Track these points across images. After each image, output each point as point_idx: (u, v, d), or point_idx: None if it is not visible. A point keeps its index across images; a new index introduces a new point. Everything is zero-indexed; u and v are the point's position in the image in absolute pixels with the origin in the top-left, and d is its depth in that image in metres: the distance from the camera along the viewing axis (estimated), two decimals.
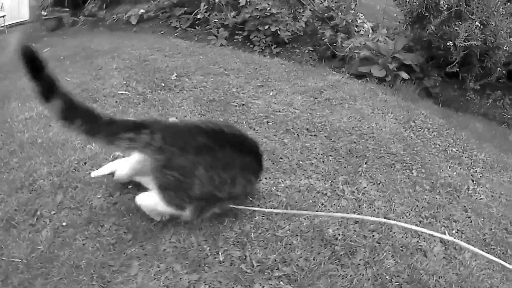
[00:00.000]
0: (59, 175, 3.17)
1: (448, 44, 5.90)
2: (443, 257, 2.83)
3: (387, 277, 2.57)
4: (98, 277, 2.37)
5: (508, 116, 6.40)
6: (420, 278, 2.59)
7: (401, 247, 2.82)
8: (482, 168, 4.12)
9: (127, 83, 4.86)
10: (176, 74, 5.16)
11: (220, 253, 2.55)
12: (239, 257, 2.60)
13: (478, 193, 3.66)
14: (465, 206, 3.40)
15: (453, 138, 4.61)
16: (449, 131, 4.75)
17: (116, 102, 4.41)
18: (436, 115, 5.31)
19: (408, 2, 6.31)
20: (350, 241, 2.79)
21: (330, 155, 3.73)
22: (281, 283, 2.46)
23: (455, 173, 3.85)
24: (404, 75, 6.14)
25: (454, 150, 4.35)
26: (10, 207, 2.86)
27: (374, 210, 3.15)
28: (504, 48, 5.93)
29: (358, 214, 3.07)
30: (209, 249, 2.62)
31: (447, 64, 6.27)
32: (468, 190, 3.65)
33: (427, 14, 6.10)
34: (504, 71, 6.28)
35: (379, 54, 6.28)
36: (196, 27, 8.04)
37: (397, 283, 2.54)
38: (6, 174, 3.18)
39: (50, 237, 2.63)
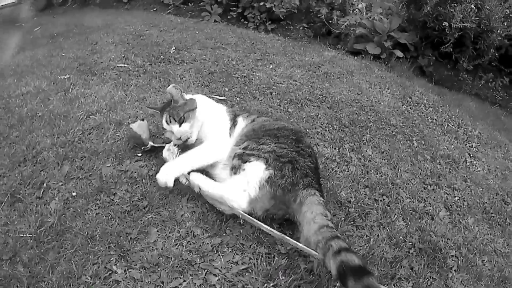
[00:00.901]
0: (64, 146, 3.07)
1: (443, 25, 5.99)
2: (449, 221, 2.98)
3: (401, 237, 2.69)
4: (116, 246, 2.32)
5: (500, 98, 6.61)
6: (431, 239, 2.72)
7: (410, 210, 2.95)
8: (477, 143, 4.25)
9: (125, 56, 4.82)
10: (174, 48, 5.14)
11: (240, 215, 2.48)
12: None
13: (475, 165, 3.81)
14: (464, 176, 3.54)
15: (449, 114, 4.72)
16: (444, 108, 4.86)
17: (116, 74, 4.37)
18: (430, 92, 5.43)
19: None
20: (363, 204, 2.89)
21: (335, 125, 3.80)
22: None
23: (452, 146, 3.98)
24: (399, 53, 6.25)
25: (450, 125, 4.46)
26: (14, 181, 2.76)
27: (382, 175, 3.25)
28: (498, 31, 6.05)
29: (366, 180, 3.15)
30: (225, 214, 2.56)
31: (441, 44, 6.37)
32: (466, 163, 3.79)
33: None
34: (496, 54, 6.40)
35: (374, 32, 6.35)
36: (189, 3, 8.03)
37: (410, 243, 2.67)
38: (6, 148, 3.10)
39: (60, 209, 2.55)
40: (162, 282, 2.18)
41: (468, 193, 3.32)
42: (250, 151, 2.53)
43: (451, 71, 6.74)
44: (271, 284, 2.23)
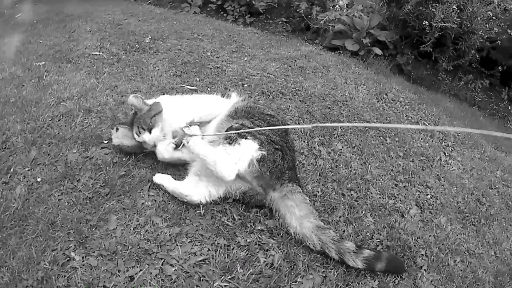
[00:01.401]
0: (33, 132, 3.05)
1: (424, 24, 6.00)
2: (420, 220, 2.95)
3: (368, 233, 2.67)
4: (75, 233, 2.31)
5: (479, 99, 6.66)
6: (400, 237, 2.69)
7: (379, 207, 2.92)
8: (454, 142, 4.22)
9: (101, 45, 4.78)
10: (150, 37, 5.10)
11: (200, 206, 2.53)
12: (220, 210, 2.60)
13: (450, 164, 3.78)
14: (438, 175, 3.51)
15: (425, 112, 4.71)
16: (421, 106, 4.84)
17: (90, 62, 4.33)
18: (408, 90, 5.41)
19: None
20: (329, 198, 2.87)
21: (306, 118, 3.79)
22: (263, 237, 2.48)
23: (427, 144, 3.95)
24: (378, 50, 6.24)
25: (426, 123, 4.46)
26: None
27: (351, 170, 3.22)
28: (480, 33, 6.09)
29: (335, 174, 3.13)
30: (186, 203, 2.57)
31: (421, 43, 6.38)
32: (441, 161, 3.76)
33: None
34: (477, 56, 6.46)
35: (353, 29, 6.33)
36: None
37: (378, 240, 2.63)
38: None
39: (24, 194, 2.54)
40: (119, 271, 2.15)
41: (441, 192, 3.29)
42: (248, 128, 2.55)
43: (430, 71, 6.78)
44: (229, 277, 2.21)
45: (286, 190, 2.48)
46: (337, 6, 6.43)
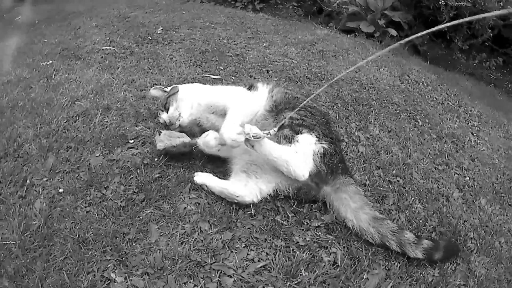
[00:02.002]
0: (48, 137, 2.72)
1: (440, 3, 5.78)
2: (463, 202, 2.76)
3: (421, 221, 2.46)
4: (113, 250, 1.99)
5: (495, 78, 6.50)
6: (450, 221, 2.50)
7: (425, 191, 2.71)
8: (478, 122, 4.04)
9: (110, 39, 4.45)
10: (162, 28, 4.78)
11: (251, 205, 2.24)
12: (271, 208, 2.30)
13: (480, 144, 3.61)
14: (471, 156, 3.34)
15: (447, 93, 4.50)
16: (442, 87, 4.63)
17: (102, 57, 4.01)
18: (427, 71, 5.19)
19: None
20: (378, 186, 2.63)
21: (338, 103, 3.52)
22: (320, 233, 2.22)
23: (455, 125, 3.77)
24: (393, 31, 6.03)
25: (450, 103, 4.25)
26: None
27: (392, 156, 3.00)
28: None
29: (378, 160, 2.89)
30: (235, 203, 2.28)
31: (435, 23, 6.13)
32: (470, 142, 3.59)
33: None
34: (491, 34, 6.25)
35: (367, 10, 6.11)
36: None
37: (431, 227, 2.45)
38: None
39: (46, 209, 2.20)
40: None
41: (477, 173, 3.13)
42: (298, 121, 2.36)
43: (445, 50, 6.63)
44: (294, 282, 1.94)
45: (339, 183, 2.30)
46: None
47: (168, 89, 2.81)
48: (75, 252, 1.97)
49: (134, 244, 2.03)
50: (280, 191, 2.31)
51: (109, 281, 1.86)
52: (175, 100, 2.68)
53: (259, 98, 2.64)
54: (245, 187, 2.25)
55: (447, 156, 3.20)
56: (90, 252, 1.98)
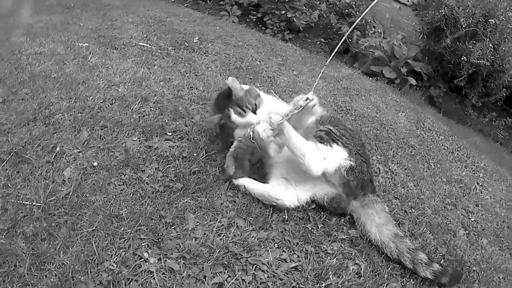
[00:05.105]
0: (82, 112, 2.73)
1: (462, 59, 5.92)
2: (467, 240, 2.89)
3: (432, 248, 2.58)
4: (148, 230, 1.99)
5: (502, 136, 6.60)
6: (456, 253, 2.62)
7: (436, 225, 2.84)
8: (484, 174, 4.16)
9: (147, 37, 4.51)
10: (198, 38, 4.86)
11: (285, 211, 2.31)
12: (302, 217, 2.38)
13: (484, 193, 3.73)
14: (476, 202, 3.46)
15: (457, 144, 4.63)
16: (453, 138, 4.77)
17: (138, 52, 4.06)
18: (440, 121, 5.35)
19: (429, 14, 6.28)
20: (396, 214, 2.75)
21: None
22: (345, 246, 2.30)
23: (464, 173, 3.89)
24: (413, 81, 6.18)
25: (460, 154, 4.37)
26: (20, 139, 2.38)
27: (408, 190, 3.12)
28: (510, 73, 6.06)
29: (395, 192, 3.01)
30: (271, 206, 2.34)
31: (453, 77, 6.34)
32: (476, 190, 3.71)
33: (445, 28, 6.10)
34: (504, 94, 6.40)
35: (391, 56, 6.28)
36: (208, 1, 7.81)
37: (440, 254, 2.58)
38: (14, 104, 2.73)
39: (77, 178, 2.18)
40: (205, 277, 1.86)
41: (480, 217, 3.26)
42: (336, 136, 2.44)
43: (459, 105, 6.73)
44: (324, 285, 2.00)
45: (368, 200, 2.45)
46: (376, 32, 6.28)
47: (245, 87, 2.58)
48: (106, 226, 1.95)
49: (170, 228, 2.04)
50: (316, 200, 2.43)
51: (141, 259, 1.86)
52: (262, 103, 2.53)
53: None
54: (285, 191, 2.32)
55: (455, 198, 3.32)
56: (122, 229, 1.97)
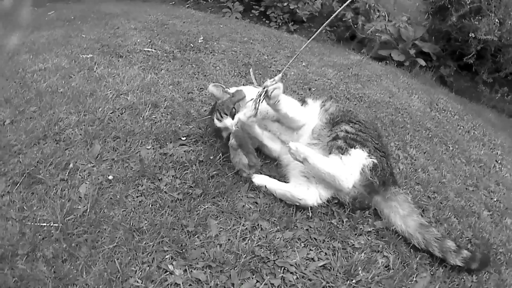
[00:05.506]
0: (93, 125, 2.67)
1: (469, 36, 5.85)
2: (491, 221, 2.81)
3: (458, 233, 2.52)
4: (170, 241, 1.92)
5: None
6: (482, 235, 2.56)
7: (460, 208, 2.77)
8: (502, 151, 4.10)
9: (151, 42, 4.45)
10: (202, 37, 4.80)
11: (309, 208, 2.24)
12: (326, 212, 2.31)
13: (503, 171, 3.66)
14: (496, 181, 3.40)
15: (473, 122, 4.56)
16: (468, 116, 4.71)
17: (144, 58, 4.00)
18: (453, 101, 5.28)
19: None
20: (419, 200, 2.67)
21: (376, 123, 3.53)
22: (371, 238, 2.23)
23: (482, 152, 3.83)
24: (422, 62, 6.13)
25: (476, 132, 4.31)
26: (31, 159, 2.31)
27: (429, 174, 3.05)
28: None
29: (416, 178, 2.94)
30: (294, 205, 2.27)
31: (462, 55, 6.27)
32: (495, 168, 3.65)
33: (449, 6, 6.03)
34: None
35: (398, 39, 6.20)
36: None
37: (467, 238, 2.51)
38: (22, 123, 2.67)
39: (93, 194, 2.11)
40: (233, 284, 1.80)
41: (502, 196, 3.19)
42: (352, 135, 2.41)
43: (470, 83, 6.65)
44: (354, 281, 1.94)
45: (390, 193, 2.39)
46: (381, 16, 6.19)
47: (231, 90, 2.62)
48: (127, 241, 1.89)
49: (193, 237, 1.98)
50: (337, 197, 2.36)
51: (166, 273, 1.80)
52: (243, 106, 2.53)
53: (310, 112, 2.68)
54: (307, 190, 2.27)
55: (476, 179, 3.26)
56: (144, 242, 1.90)
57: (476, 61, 6.26)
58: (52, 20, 6.02)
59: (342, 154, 2.30)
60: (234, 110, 2.47)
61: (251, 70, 3.03)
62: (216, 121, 2.53)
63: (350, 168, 2.27)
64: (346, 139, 2.37)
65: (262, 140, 2.56)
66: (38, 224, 1.94)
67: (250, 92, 2.58)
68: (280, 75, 2.35)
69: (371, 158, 2.34)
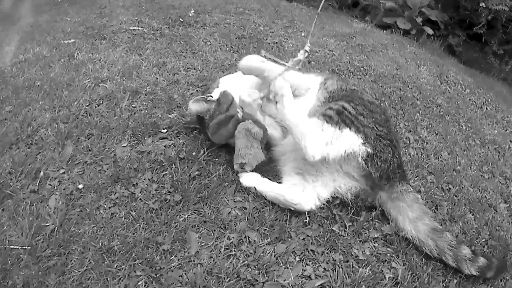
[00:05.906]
0: (67, 122, 2.39)
1: (480, 4, 5.56)
2: (509, 214, 2.53)
3: (474, 233, 2.22)
4: (144, 263, 1.65)
5: None
6: (499, 235, 2.26)
7: (475, 201, 2.47)
8: None
9: (138, 19, 4.12)
10: (193, 11, 4.45)
11: (306, 213, 1.94)
12: (327, 216, 1.99)
13: None
14: None
15: (485, 97, 4.21)
16: (479, 90, 4.36)
17: (129, 37, 3.69)
18: (463, 72, 4.94)
19: None
20: (433, 194, 2.38)
21: (384, 100, 3.24)
22: (378, 245, 1.93)
23: (496, 131, 3.51)
24: (429, 30, 5.82)
25: (488, 108, 3.97)
26: (3, 170, 2.06)
27: (443, 161, 2.75)
28: None
29: (429, 165, 2.63)
30: (288, 209, 1.96)
31: (471, 25, 6.01)
32: (510, 150, 3.31)
33: None
34: None
35: (404, 6, 5.88)
36: None
37: (483, 240, 2.22)
38: None
39: (62, 208, 1.85)
40: None
41: None
42: (350, 116, 2.02)
43: (479, 53, 6.40)
44: None
45: (396, 191, 2.06)
46: None
47: (214, 96, 2.26)
48: (98, 264, 1.63)
49: (170, 257, 1.69)
50: (338, 195, 2.05)
51: None
52: (235, 107, 2.21)
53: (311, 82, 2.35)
54: (303, 192, 1.95)
55: (491, 164, 2.95)
56: (115, 265, 1.64)
57: (486, 31, 6.00)
58: (40, 4, 5.65)
59: (327, 122, 1.96)
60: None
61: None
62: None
63: (327, 138, 1.92)
64: (339, 113, 2.01)
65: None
66: (8, 246, 1.69)
67: (233, 82, 2.30)
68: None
69: (365, 146, 1.97)
